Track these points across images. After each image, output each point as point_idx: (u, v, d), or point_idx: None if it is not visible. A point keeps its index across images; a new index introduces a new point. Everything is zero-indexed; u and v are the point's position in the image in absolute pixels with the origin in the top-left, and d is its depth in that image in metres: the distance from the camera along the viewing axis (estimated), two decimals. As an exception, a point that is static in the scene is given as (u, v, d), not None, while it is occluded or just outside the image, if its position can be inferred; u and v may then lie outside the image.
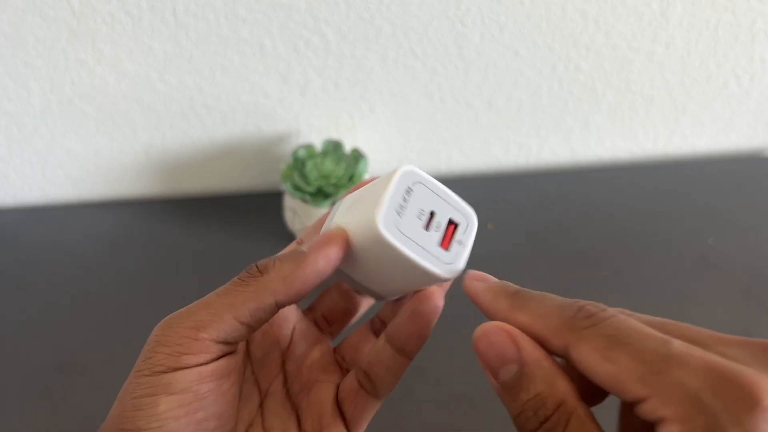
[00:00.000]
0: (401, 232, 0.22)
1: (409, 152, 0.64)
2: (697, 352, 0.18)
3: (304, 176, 0.55)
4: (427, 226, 0.23)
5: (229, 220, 0.60)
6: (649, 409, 0.17)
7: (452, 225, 0.24)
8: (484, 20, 0.54)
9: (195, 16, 0.51)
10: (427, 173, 0.24)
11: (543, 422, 0.19)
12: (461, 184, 0.65)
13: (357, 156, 0.56)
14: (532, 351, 0.20)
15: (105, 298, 0.54)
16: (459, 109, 0.60)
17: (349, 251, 0.23)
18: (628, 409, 0.22)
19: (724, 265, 0.56)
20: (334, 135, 0.61)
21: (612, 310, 0.19)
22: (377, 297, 0.27)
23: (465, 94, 0.59)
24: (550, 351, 0.20)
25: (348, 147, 0.59)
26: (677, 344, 0.18)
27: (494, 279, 0.23)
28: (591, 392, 0.22)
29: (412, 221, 0.23)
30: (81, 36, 0.51)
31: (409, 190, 0.23)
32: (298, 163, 0.56)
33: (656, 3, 0.55)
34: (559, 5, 0.54)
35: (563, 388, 0.19)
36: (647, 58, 0.59)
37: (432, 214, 0.23)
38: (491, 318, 0.21)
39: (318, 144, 0.59)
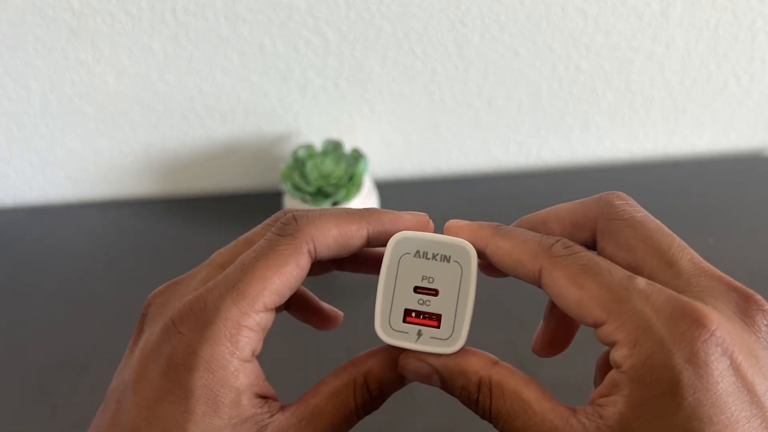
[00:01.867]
0: (399, 264, 0.23)
1: (409, 152, 0.64)
2: (657, 288, 0.20)
3: (304, 176, 0.55)
4: (418, 292, 0.23)
5: (229, 220, 0.60)
6: (605, 333, 0.19)
7: (434, 319, 0.23)
8: (484, 20, 0.54)
9: (195, 15, 0.51)
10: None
11: (477, 404, 0.22)
12: (461, 184, 0.65)
13: (357, 156, 0.56)
14: (438, 360, 0.22)
15: (105, 298, 0.54)
16: (459, 109, 0.60)
17: None
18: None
19: (724, 265, 0.56)
20: (334, 135, 0.61)
21: (583, 247, 0.22)
22: None
23: (465, 94, 0.59)
24: (524, 276, 0.22)
25: (348, 147, 0.59)
26: (641, 280, 0.20)
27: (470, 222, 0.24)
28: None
29: (414, 271, 0.23)
30: (81, 36, 0.51)
31: (445, 258, 0.23)
32: (298, 163, 0.56)
33: (656, 3, 0.55)
34: (559, 5, 0.54)
35: (474, 367, 0.22)
36: (647, 58, 0.59)
37: (433, 291, 0.23)
38: (476, 246, 0.23)
39: (318, 144, 0.59)
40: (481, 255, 0.23)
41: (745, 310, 0.20)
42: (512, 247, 0.22)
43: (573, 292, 0.20)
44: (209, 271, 0.23)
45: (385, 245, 0.23)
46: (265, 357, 0.23)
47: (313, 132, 0.60)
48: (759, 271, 0.56)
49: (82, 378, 0.48)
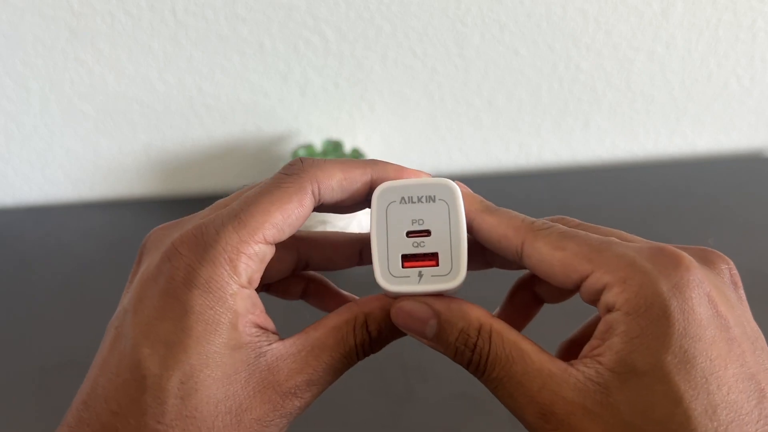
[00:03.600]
0: (387, 214, 0.23)
1: (409, 152, 0.64)
2: (633, 243, 0.21)
3: (303, 176, 0.55)
4: (411, 236, 0.23)
5: (228, 220, 0.60)
6: (593, 282, 0.20)
7: (431, 259, 0.23)
8: (485, 20, 0.54)
9: (194, 15, 0.51)
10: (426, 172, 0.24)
11: (473, 349, 0.22)
12: (461, 184, 0.65)
13: (357, 155, 0.56)
14: (440, 302, 0.22)
15: (104, 298, 0.54)
16: (459, 108, 0.60)
17: None
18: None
19: (724, 265, 0.56)
20: (334, 134, 0.60)
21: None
22: None
23: (465, 93, 0.59)
24: (506, 249, 0.23)
25: (348, 146, 0.59)
26: (615, 239, 0.21)
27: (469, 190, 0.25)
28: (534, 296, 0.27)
29: (403, 217, 0.23)
30: (80, 35, 0.51)
31: (430, 198, 0.23)
32: (298, 163, 0.56)
33: (657, 2, 0.55)
34: (559, 5, 0.54)
35: (476, 314, 0.22)
36: (648, 58, 0.59)
37: (425, 232, 0.23)
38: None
39: (318, 143, 0.59)
40: (468, 228, 0.24)
41: (709, 260, 0.22)
42: (498, 222, 0.23)
43: (556, 254, 0.21)
44: (211, 210, 0.24)
45: None
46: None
47: (313, 132, 0.60)
48: (759, 271, 0.56)
49: (82, 378, 0.48)
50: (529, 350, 0.21)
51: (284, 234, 0.22)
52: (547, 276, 0.22)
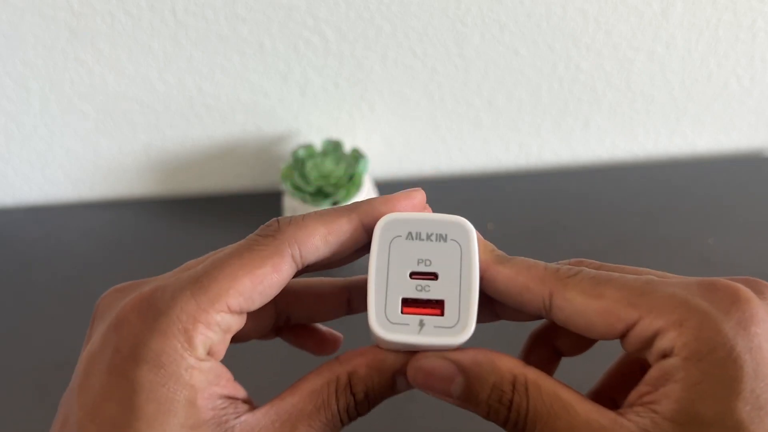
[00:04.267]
0: (390, 248, 0.20)
1: (409, 152, 0.64)
2: (675, 277, 0.19)
3: (303, 176, 0.55)
4: (414, 278, 0.20)
5: (229, 220, 0.60)
6: (642, 330, 0.18)
7: (436, 306, 0.20)
8: (485, 20, 0.54)
9: (194, 15, 0.51)
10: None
11: (509, 406, 0.19)
12: (461, 184, 0.65)
13: (357, 156, 0.56)
14: (464, 356, 0.20)
15: (104, 298, 0.54)
16: (459, 108, 0.60)
17: None
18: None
19: (724, 265, 0.56)
20: (334, 134, 0.60)
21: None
22: None
23: (465, 93, 0.59)
24: (530, 303, 0.20)
25: (348, 147, 0.59)
26: (654, 277, 0.19)
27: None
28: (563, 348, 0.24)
29: (408, 255, 0.20)
30: (80, 35, 0.51)
31: (441, 237, 0.21)
32: (298, 163, 0.56)
33: (657, 2, 0.55)
34: (559, 5, 0.54)
35: (506, 365, 0.19)
36: (648, 58, 0.59)
37: (431, 275, 0.20)
38: None
39: (318, 144, 0.59)
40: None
41: (759, 290, 0.19)
42: (516, 273, 0.20)
43: (593, 304, 0.19)
44: (177, 271, 0.21)
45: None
46: (249, 384, 0.21)
47: (313, 132, 0.60)
48: (759, 271, 0.56)
49: (81, 378, 0.48)
50: (572, 400, 0.18)
51: (253, 303, 0.19)
52: (583, 329, 0.19)
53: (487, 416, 0.20)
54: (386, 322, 0.20)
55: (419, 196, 0.22)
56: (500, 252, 0.21)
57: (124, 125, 0.58)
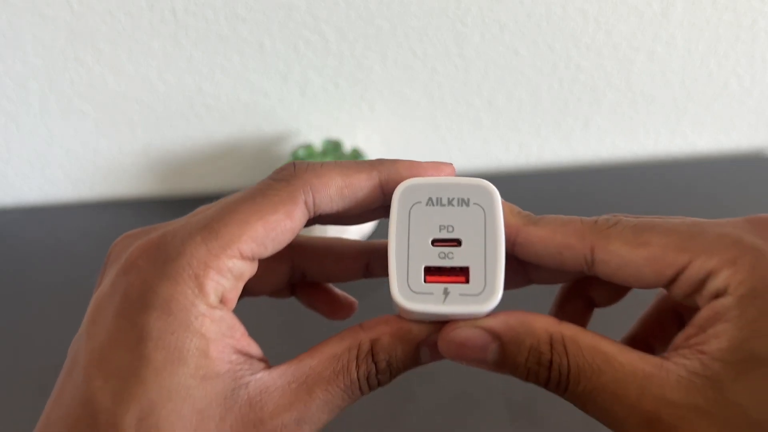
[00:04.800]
0: (410, 216, 0.19)
1: (408, 152, 0.64)
2: (720, 221, 0.18)
3: (303, 176, 0.55)
4: (436, 244, 0.19)
5: (228, 220, 0.60)
6: (694, 272, 0.17)
7: (461, 275, 0.19)
8: (485, 19, 0.54)
9: (194, 15, 0.51)
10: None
11: (549, 366, 0.18)
12: (461, 184, 0.65)
13: (357, 155, 0.56)
14: (495, 323, 0.19)
15: (104, 298, 0.54)
16: (459, 108, 0.60)
17: None
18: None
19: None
20: (334, 134, 0.60)
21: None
22: None
23: (465, 93, 0.59)
24: (570, 261, 0.19)
25: (348, 146, 0.59)
26: (697, 220, 0.19)
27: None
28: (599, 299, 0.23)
29: (429, 222, 0.19)
30: (80, 35, 0.51)
31: (463, 201, 0.20)
32: (298, 163, 0.56)
33: (657, 2, 0.55)
34: (559, 4, 0.54)
35: (541, 325, 0.19)
36: (648, 58, 0.59)
37: (455, 241, 0.19)
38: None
39: (318, 143, 0.59)
40: (507, 246, 0.20)
41: None
42: (552, 231, 0.19)
43: (640, 252, 0.18)
44: (188, 216, 0.20)
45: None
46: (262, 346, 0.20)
47: (313, 132, 0.60)
48: (760, 271, 0.56)
49: (81, 378, 0.48)
50: (614, 351, 0.18)
51: (266, 250, 0.19)
52: (631, 279, 0.19)
53: (527, 378, 0.19)
54: (409, 292, 0.19)
55: (448, 169, 0.21)
56: (527, 213, 0.20)
57: (124, 125, 0.58)
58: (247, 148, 0.61)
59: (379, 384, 0.20)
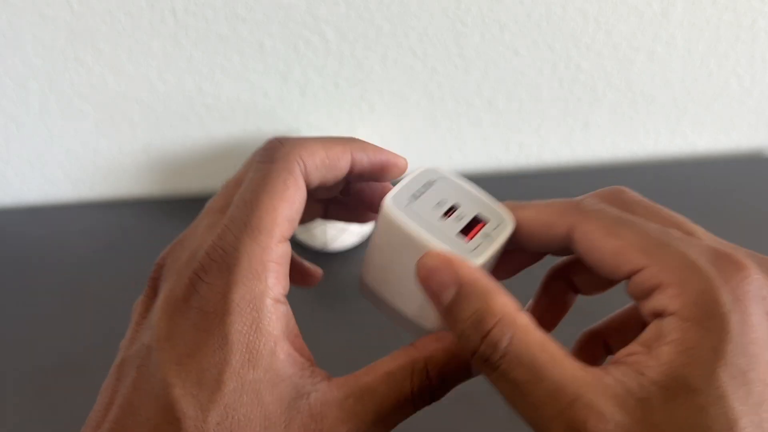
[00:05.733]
0: (412, 212, 0.21)
1: (408, 152, 0.64)
2: (693, 238, 0.20)
3: (303, 176, 0.55)
4: (447, 216, 0.22)
5: (228, 220, 0.60)
6: (646, 277, 0.18)
7: (479, 222, 0.22)
8: (485, 19, 0.54)
9: (194, 15, 0.51)
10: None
11: (484, 336, 0.18)
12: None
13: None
14: (468, 272, 0.20)
15: (105, 298, 0.54)
16: (459, 108, 0.60)
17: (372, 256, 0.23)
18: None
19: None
20: (334, 134, 0.60)
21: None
22: (403, 322, 0.24)
23: (465, 93, 0.59)
24: (552, 237, 0.21)
25: (348, 147, 0.59)
26: (677, 231, 0.20)
27: None
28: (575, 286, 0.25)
29: (427, 207, 0.22)
30: (80, 35, 0.51)
31: (429, 183, 0.23)
32: (298, 163, 0.56)
33: (657, 2, 0.55)
34: (559, 4, 0.54)
35: (502, 302, 0.19)
36: (648, 58, 0.59)
37: (453, 207, 0.22)
38: None
39: (318, 144, 0.59)
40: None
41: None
42: (536, 212, 0.21)
43: (610, 241, 0.19)
44: (210, 218, 0.22)
45: (364, 174, 0.23)
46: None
47: (313, 132, 0.60)
48: (759, 271, 0.56)
49: (82, 378, 0.48)
50: (560, 355, 0.18)
51: (296, 224, 0.21)
52: (595, 264, 0.20)
53: (460, 338, 0.19)
54: (468, 257, 0.21)
55: (402, 162, 0.24)
56: (518, 202, 0.23)
57: (124, 125, 0.58)
58: (247, 148, 0.61)
59: (432, 399, 0.21)
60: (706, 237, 0.20)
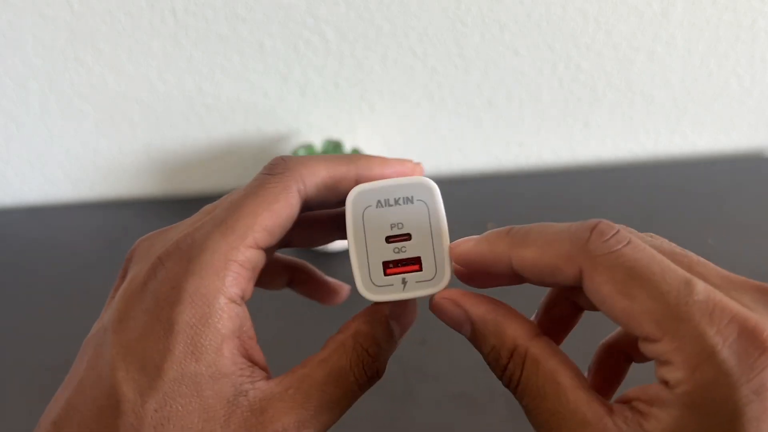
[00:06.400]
0: (365, 217, 0.22)
1: (409, 152, 0.64)
2: (719, 299, 0.17)
3: (303, 176, 0.55)
4: (391, 241, 0.22)
5: (228, 220, 0.60)
6: (657, 351, 0.17)
7: (414, 264, 0.22)
8: (485, 19, 0.54)
9: (194, 15, 0.51)
10: (426, 172, 0.23)
11: (503, 371, 0.20)
12: (461, 184, 0.65)
13: (357, 156, 0.56)
14: (476, 309, 0.20)
15: (104, 298, 0.54)
16: (459, 108, 0.60)
17: None
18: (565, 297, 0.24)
19: (724, 265, 0.56)
20: (334, 135, 0.60)
21: (626, 233, 0.19)
22: None
23: (465, 93, 0.59)
24: (561, 279, 0.19)
25: (348, 147, 0.59)
26: (700, 287, 0.17)
27: (477, 236, 0.22)
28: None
29: (382, 222, 0.22)
30: (80, 35, 0.51)
31: (407, 200, 0.22)
32: (298, 163, 0.56)
33: (657, 2, 0.55)
34: (559, 4, 0.54)
35: (512, 333, 0.20)
36: (648, 58, 0.59)
37: (406, 236, 0.22)
38: (495, 265, 0.20)
39: (318, 144, 0.59)
40: (506, 270, 0.20)
41: None
42: (540, 253, 0.19)
43: (620, 302, 0.17)
44: (198, 216, 0.22)
45: None
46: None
47: (313, 132, 0.60)
48: (759, 271, 0.56)
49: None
50: (567, 385, 0.18)
51: (275, 237, 0.21)
52: (608, 315, 0.18)
53: (488, 364, 0.21)
54: (372, 286, 0.22)
55: (411, 164, 0.23)
56: (514, 230, 0.20)
57: (124, 125, 0.58)
58: (247, 148, 0.61)
59: (374, 375, 0.21)
60: (723, 284, 0.18)
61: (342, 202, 0.23)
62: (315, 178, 0.22)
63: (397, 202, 0.22)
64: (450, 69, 0.57)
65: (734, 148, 0.69)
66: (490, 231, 0.21)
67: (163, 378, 0.18)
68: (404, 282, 0.22)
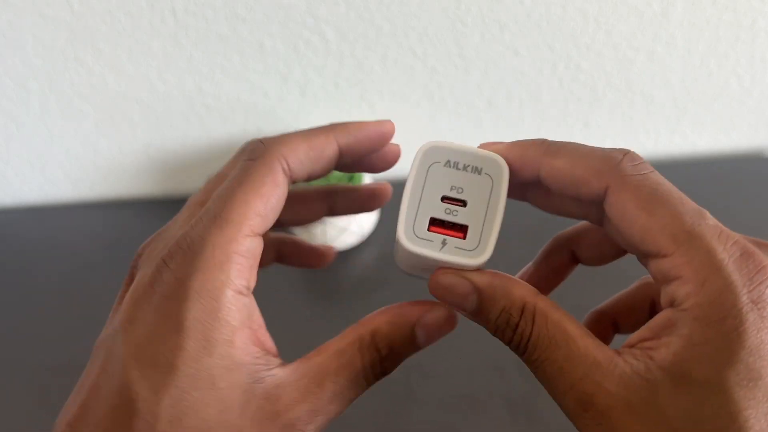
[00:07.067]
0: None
1: (408, 152, 0.64)
2: (724, 227, 0.19)
3: (303, 176, 0.55)
4: (446, 201, 0.22)
5: (228, 220, 0.60)
6: (668, 266, 0.19)
7: (464, 228, 0.22)
8: (485, 19, 0.54)
9: (194, 15, 0.51)
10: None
11: (515, 329, 0.20)
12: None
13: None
14: (481, 278, 0.21)
15: (105, 298, 0.54)
16: (459, 108, 0.60)
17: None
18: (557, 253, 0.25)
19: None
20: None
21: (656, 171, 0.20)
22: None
23: (465, 93, 0.59)
24: (582, 194, 0.20)
25: (348, 147, 0.59)
26: (710, 216, 0.19)
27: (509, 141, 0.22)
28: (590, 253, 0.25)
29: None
30: (80, 35, 0.51)
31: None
32: (298, 163, 0.56)
33: (657, 2, 0.55)
34: (559, 4, 0.54)
35: (520, 292, 0.21)
36: (648, 58, 0.59)
37: (450, 195, 0.22)
38: (521, 169, 0.22)
39: (318, 144, 0.59)
40: (530, 177, 0.21)
41: None
42: (571, 165, 0.20)
43: (641, 217, 0.19)
44: (189, 211, 0.23)
45: (357, 157, 0.24)
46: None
47: (313, 132, 0.60)
48: (759, 271, 0.56)
49: (81, 378, 0.48)
50: (575, 334, 0.19)
51: (269, 221, 0.21)
52: (621, 233, 0.20)
53: (494, 334, 0.21)
54: (413, 235, 0.22)
55: (389, 123, 0.24)
56: (549, 141, 0.22)
57: (124, 125, 0.58)
58: (247, 148, 0.61)
59: (385, 372, 0.22)
60: (735, 237, 0.20)
61: (329, 170, 0.24)
62: (296, 153, 0.22)
63: (465, 167, 0.22)
64: (450, 69, 0.57)
65: (734, 148, 0.69)
66: (522, 140, 0.22)
67: (176, 374, 0.18)
68: (444, 243, 0.22)
